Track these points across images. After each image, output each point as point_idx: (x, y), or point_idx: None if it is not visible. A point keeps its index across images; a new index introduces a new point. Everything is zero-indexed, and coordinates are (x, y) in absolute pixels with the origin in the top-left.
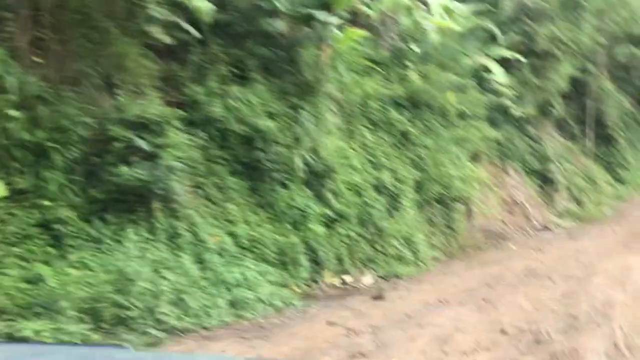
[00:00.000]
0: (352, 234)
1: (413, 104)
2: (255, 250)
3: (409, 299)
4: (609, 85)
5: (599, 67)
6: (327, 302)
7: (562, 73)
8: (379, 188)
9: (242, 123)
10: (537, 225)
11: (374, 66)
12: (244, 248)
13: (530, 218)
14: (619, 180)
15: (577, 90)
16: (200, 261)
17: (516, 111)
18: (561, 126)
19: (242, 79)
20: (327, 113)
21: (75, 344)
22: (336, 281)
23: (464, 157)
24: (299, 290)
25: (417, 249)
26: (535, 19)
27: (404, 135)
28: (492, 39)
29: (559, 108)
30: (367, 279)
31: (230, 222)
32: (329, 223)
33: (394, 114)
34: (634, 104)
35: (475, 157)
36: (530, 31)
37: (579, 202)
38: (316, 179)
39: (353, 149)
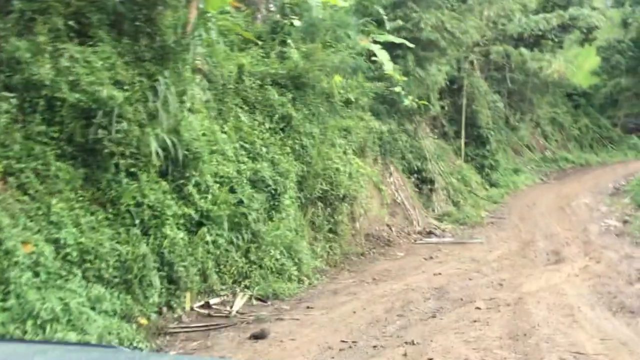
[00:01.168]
0: (222, 241)
1: (295, 85)
2: (86, 264)
3: (302, 339)
4: (483, 84)
5: (474, 65)
6: (187, 341)
7: (442, 67)
8: (256, 183)
9: (78, 91)
10: (419, 228)
11: (251, 38)
12: (70, 262)
13: (412, 221)
14: (491, 182)
15: (451, 88)
16: (1, 282)
17: (404, 103)
18: (435, 124)
19: (83, 36)
20: (192, 86)
21: (68, 342)
22: (200, 306)
23: (351, 151)
24: (147, 323)
25: (301, 260)
26: (422, 5)
27: (286, 120)
28: (378, 22)
29: (436, 104)
30: (241, 302)
31: (54, 224)
32: (191, 227)
33: (273, 94)
34: (506, 105)
35: (360, 152)
36: (417, 18)
37: (455, 205)
38: (176, 168)
39: (225, 133)
